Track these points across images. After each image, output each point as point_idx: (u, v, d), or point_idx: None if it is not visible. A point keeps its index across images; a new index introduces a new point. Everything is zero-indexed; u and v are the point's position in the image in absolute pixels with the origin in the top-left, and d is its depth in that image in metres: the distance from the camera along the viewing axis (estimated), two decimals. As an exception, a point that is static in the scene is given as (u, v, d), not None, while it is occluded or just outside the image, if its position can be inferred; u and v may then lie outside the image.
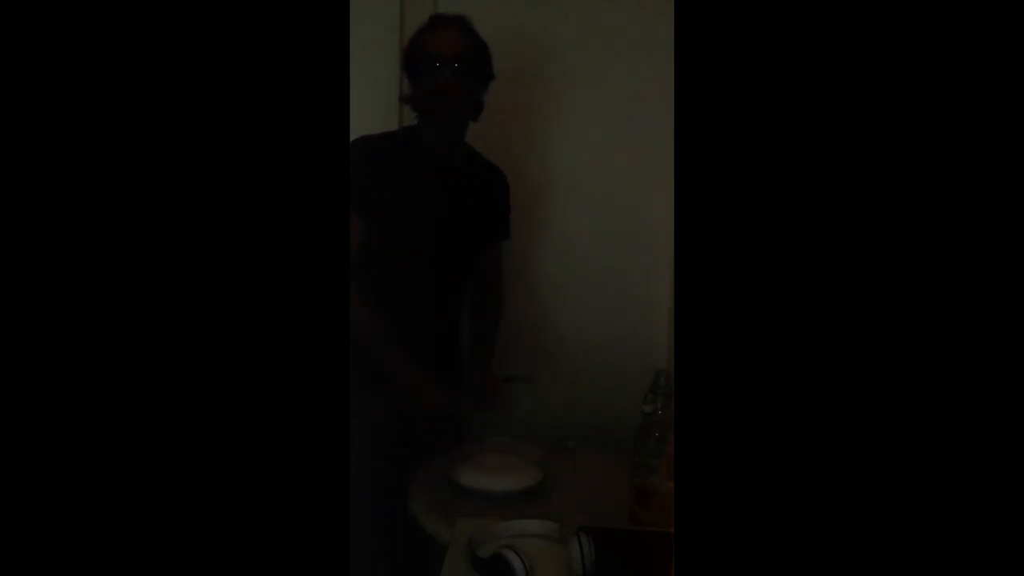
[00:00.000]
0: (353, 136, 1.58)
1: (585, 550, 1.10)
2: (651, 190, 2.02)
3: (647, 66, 1.98)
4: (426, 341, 1.72)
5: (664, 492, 1.30)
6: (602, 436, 1.81)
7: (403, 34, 1.98)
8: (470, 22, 1.67)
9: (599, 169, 2.07)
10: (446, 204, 1.69)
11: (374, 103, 1.96)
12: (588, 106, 2.05)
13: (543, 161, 2.06)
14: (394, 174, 1.64)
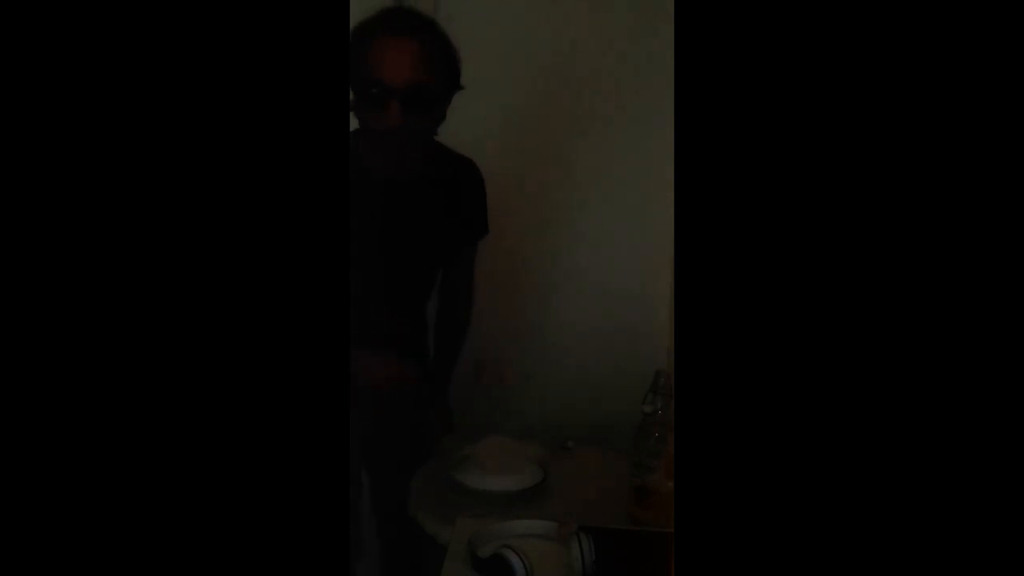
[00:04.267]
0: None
1: (585, 550, 1.11)
2: (652, 189, 2.02)
3: (650, 66, 1.98)
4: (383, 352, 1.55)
5: (664, 492, 1.31)
6: (602, 436, 1.82)
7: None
8: (433, 24, 1.30)
9: (600, 169, 2.07)
10: (389, 221, 1.46)
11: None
12: (590, 106, 2.05)
13: (544, 161, 2.07)
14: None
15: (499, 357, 2.05)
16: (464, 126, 1.74)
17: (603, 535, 1.14)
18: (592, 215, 2.10)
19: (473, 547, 1.16)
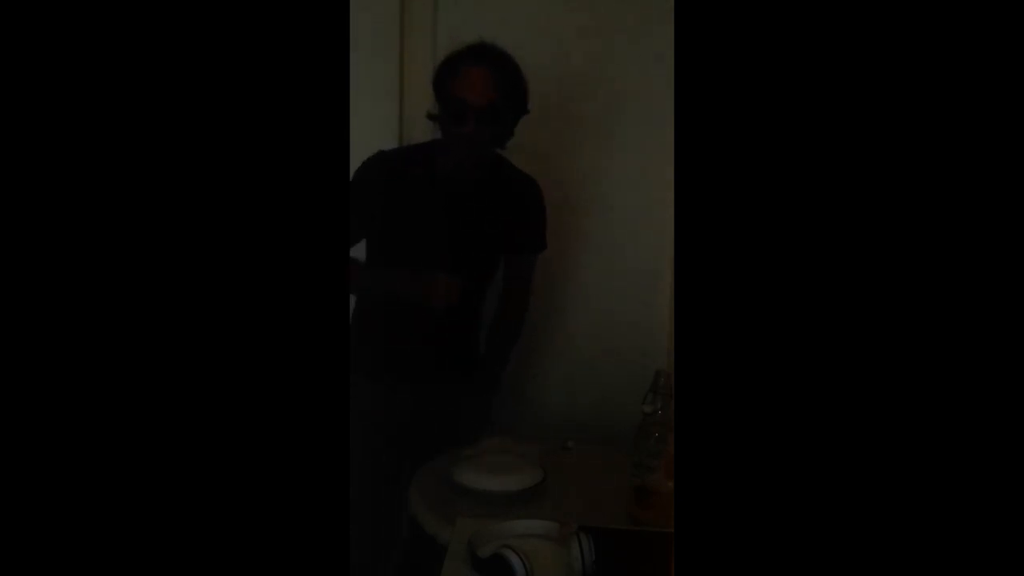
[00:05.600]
0: (352, 143, 1.55)
1: (585, 550, 1.10)
2: (652, 189, 2.02)
3: (650, 66, 1.98)
4: (437, 348, 1.73)
5: (664, 492, 1.30)
6: (602, 436, 1.82)
7: (403, 40, 1.98)
8: (509, 59, 1.57)
9: (600, 170, 2.07)
10: (457, 224, 1.66)
11: (374, 108, 1.96)
12: (590, 106, 2.05)
13: (543, 161, 2.06)
14: (405, 196, 1.63)
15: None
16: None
17: (603, 535, 1.14)
18: (592, 215, 2.09)
19: (473, 547, 1.16)
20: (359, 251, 1.70)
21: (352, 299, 1.73)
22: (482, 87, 1.53)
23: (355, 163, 1.60)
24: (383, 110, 1.99)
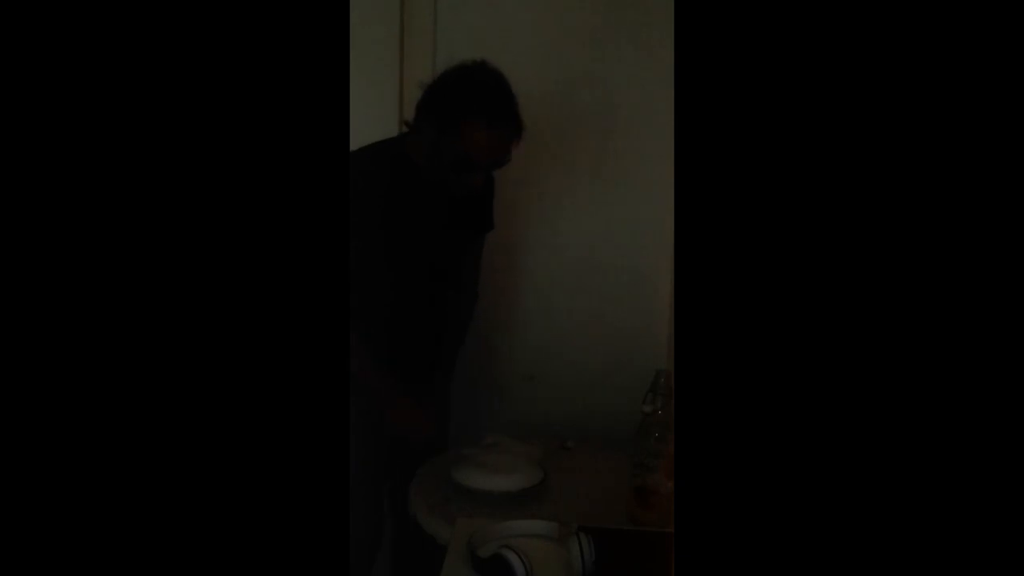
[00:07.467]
0: (352, 142, 1.52)
1: (585, 550, 1.11)
2: (652, 188, 2.02)
3: (650, 64, 1.98)
4: (418, 346, 1.71)
5: (664, 492, 1.31)
6: (602, 436, 1.82)
7: (403, 38, 1.98)
8: (510, 101, 1.51)
9: (600, 169, 2.08)
10: (438, 215, 1.65)
11: (373, 106, 1.97)
12: (590, 103, 2.05)
13: (545, 160, 2.07)
14: (383, 192, 1.60)
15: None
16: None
17: (603, 535, 1.14)
18: (593, 215, 2.10)
19: (473, 547, 1.16)
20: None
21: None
22: (493, 148, 1.51)
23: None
24: (383, 110, 1.99)
